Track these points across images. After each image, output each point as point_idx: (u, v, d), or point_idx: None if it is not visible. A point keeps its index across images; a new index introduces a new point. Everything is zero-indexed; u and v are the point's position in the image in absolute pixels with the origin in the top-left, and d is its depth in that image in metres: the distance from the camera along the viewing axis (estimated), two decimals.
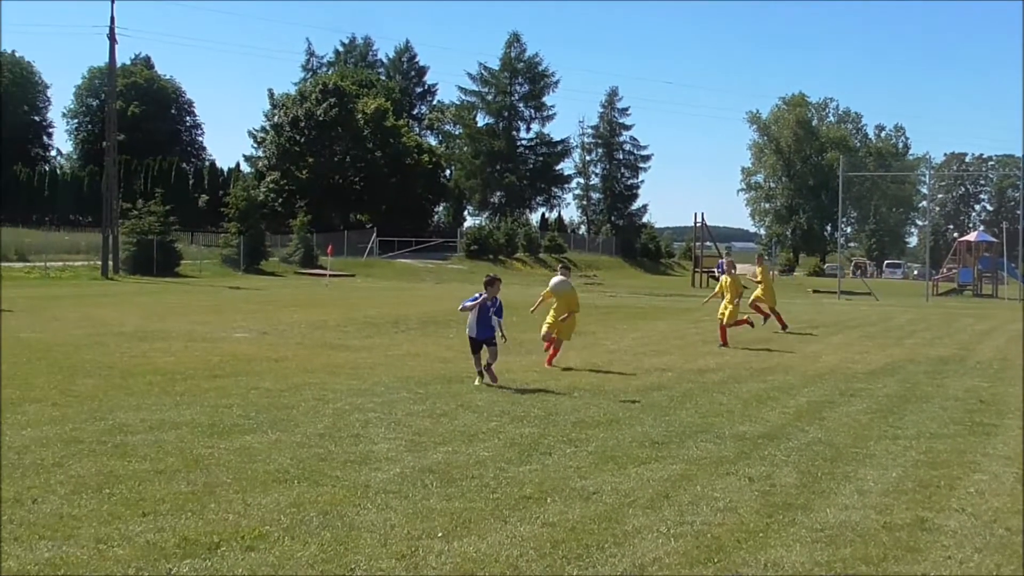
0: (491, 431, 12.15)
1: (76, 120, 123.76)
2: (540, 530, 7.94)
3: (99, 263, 61.31)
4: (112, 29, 62.78)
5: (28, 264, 61.71)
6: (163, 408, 13.15)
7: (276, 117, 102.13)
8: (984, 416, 14.15)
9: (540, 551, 7.40)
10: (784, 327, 28.82)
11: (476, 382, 16.22)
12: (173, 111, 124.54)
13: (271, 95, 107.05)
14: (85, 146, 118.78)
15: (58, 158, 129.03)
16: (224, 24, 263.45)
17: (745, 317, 26.46)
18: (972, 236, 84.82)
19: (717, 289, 26.55)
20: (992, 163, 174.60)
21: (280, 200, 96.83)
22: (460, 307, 17.16)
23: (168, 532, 7.62)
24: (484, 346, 16.66)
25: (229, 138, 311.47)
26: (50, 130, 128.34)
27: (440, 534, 7.77)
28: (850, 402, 15.33)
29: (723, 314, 24.69)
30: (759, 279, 29.47)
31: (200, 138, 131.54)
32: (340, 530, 7.82)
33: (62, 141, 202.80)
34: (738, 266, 29.06)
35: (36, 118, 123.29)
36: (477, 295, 16.85)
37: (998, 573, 7.13)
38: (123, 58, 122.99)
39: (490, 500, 8.82)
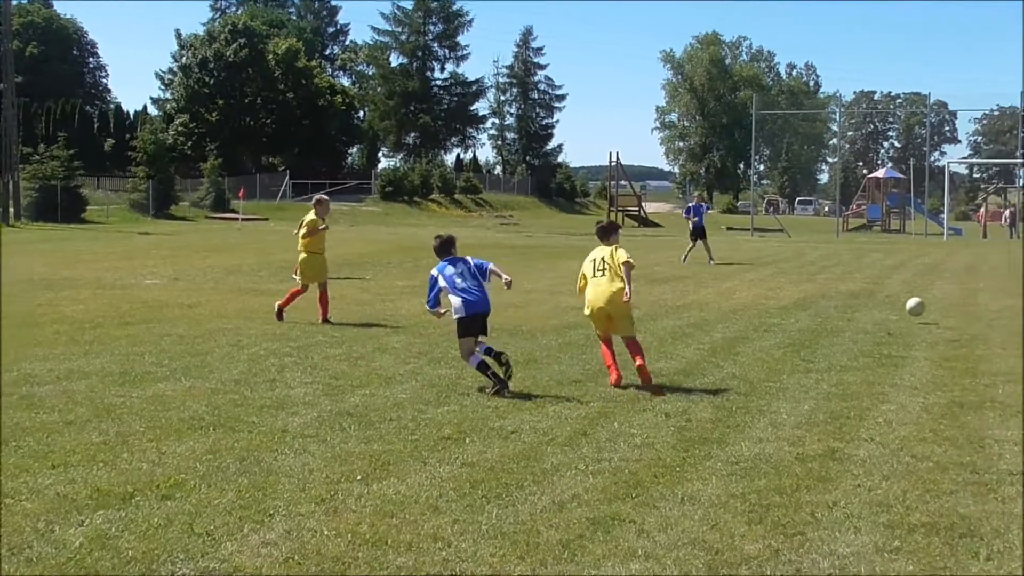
0: (408, 373, 12.17)
1: None
2: (459, 470, 7.99)
3: None
4: None
5: None
6: (72, 357, 12.98)
7: (184, 58, 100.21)
8: (892, 348, 14.42)
9: (460, 491, 7.45)
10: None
11: (490, 390, 11.01)
12: (75, 52, 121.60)
13: (178, 36, 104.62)
14: None
15: None
16: None
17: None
18: (880, 173, 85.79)
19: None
20: (900, 101, 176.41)
21: (190, 143, 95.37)
22: (428, 308, 11.95)
23: (80, 484, 7.53)
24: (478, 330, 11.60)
25: (135, 80, 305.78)
26: None
27: (359, 477, 7.78)
28: (764, 337, 15.54)
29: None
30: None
31: (104, 80, 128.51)
32: (258, 476, 7.80)
33: None
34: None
35: None
36: (435, 271, 11.70)
37: (905, 499, 7.29)
38: None
39: (409, 442, 8.85)
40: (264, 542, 6.39)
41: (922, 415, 10.10)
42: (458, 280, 11.44)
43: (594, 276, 11.86)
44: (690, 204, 35.03)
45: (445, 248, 11.81)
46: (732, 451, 8.61)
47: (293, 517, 6.87)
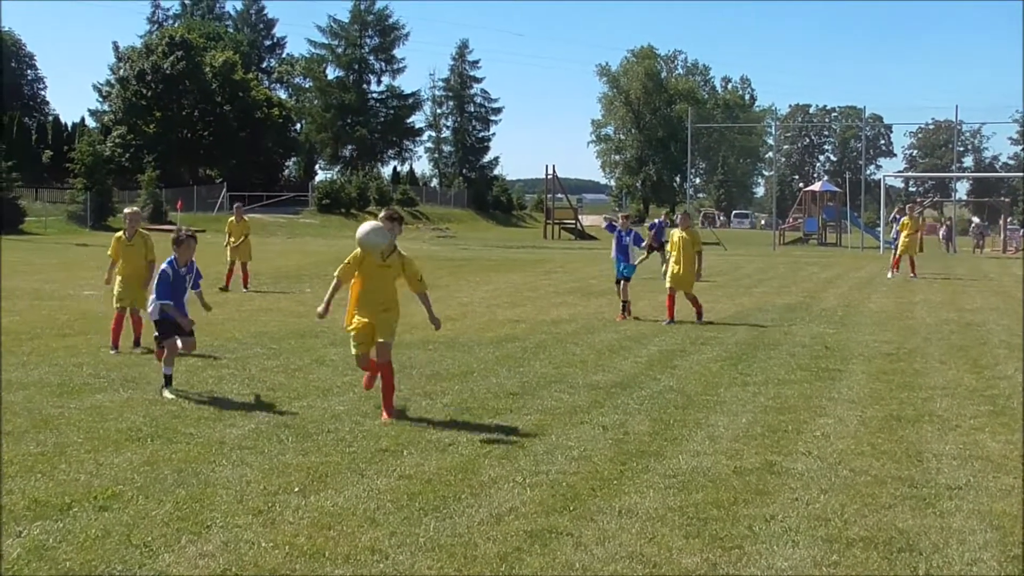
0: (346, 385, 12.10)
1: None
2: (397, 482, 7.94)
3: None
4: None
5: None
6: (9, 368, 12.80)
7: (122, 71, 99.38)
8: (829, 362, 14.52)
9: (397, 503, 7.40)
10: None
11: (167, 394, 11.22)
12: (13, 64, 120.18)
13: (116, 48, 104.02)
14: None
15: None
16: None
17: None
18: (817, 186, 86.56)
19: None
20: (835, 114, 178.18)
21: (127, 155, 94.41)
22: (154, 302, 11.86)
23: (17, 494, 7.44)
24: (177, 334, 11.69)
25: (73, 92, 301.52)
26: None
27: (297, 489, 7.72)
28: (700, 350, 15.59)
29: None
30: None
31: (42, 92, 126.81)
32: (195, 487, 7.71)
33: None
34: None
35: None
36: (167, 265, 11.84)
37: (843, 512, 7.33)
38: None
39: (346, 454, 8.79)
40: (201, 554, 6.33)
41: (860, 429, 10.17)
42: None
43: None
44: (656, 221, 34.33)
45: (186, 245, 11.98)
46: (670, 464, 8.62)
47: (230, 529, 6.80)
